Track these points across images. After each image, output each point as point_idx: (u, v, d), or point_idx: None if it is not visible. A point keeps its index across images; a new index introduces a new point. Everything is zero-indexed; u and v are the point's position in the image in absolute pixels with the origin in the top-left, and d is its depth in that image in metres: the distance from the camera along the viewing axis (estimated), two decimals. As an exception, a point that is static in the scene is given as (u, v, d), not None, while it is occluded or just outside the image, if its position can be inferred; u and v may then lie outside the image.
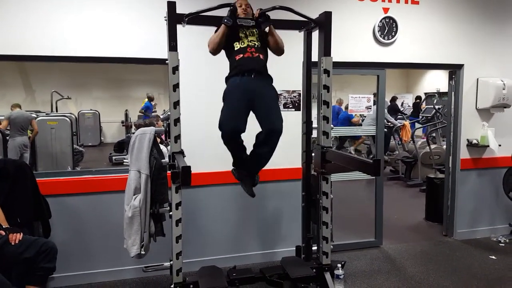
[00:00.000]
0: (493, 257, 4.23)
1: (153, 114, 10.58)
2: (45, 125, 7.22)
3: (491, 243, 4.64)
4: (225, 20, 2.79)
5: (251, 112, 2.87)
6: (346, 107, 8.69)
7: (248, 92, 2.84)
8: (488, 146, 4.58)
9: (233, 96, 2.86)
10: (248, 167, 3.01)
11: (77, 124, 10.87)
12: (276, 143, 2.86)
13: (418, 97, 12.53)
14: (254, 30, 2.93)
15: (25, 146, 6.95)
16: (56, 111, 11.17)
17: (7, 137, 6.43)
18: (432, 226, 5.29)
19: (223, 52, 2.96)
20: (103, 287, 3.63)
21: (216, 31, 2.89)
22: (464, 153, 4.64)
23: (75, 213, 3.61)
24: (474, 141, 4.60)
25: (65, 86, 11.78)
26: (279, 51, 2.98)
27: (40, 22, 3.36)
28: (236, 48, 2.88)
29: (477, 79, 4.56)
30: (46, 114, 8.87)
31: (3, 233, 2.73)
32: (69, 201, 3.59)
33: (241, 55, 2.87)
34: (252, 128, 2.83)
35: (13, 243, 2.69)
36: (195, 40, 3.45)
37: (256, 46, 2.90)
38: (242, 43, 2.88)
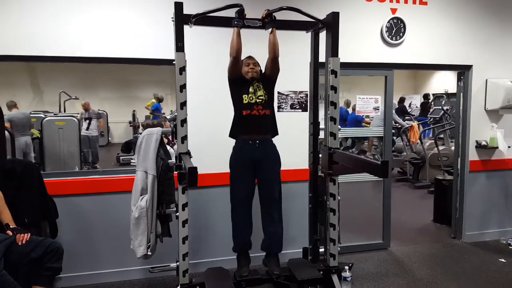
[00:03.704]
0: (503, 260, 4.18)
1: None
2: (53, 125, 7.25)
3: (500, 246, 4.58)
4: (235, 22, 2.85)
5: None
6: (353, 108, 8.63)
7: (252, 163, 3.09)
8: (497, 147, 4.53)
9: (238, 175, 3.16)
10: (270, 250, 3.25)
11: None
12: (280, 210, 3.19)
13: (426, 95, 12.41)
14: (261, 85, 3.04)
15: (28, 146, 6.92)
16: (64, 111, 11.24)
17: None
18: (440, 228, 5.25)
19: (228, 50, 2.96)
20: (110, 287, 3.64)
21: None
22: (473, 155, 4.59)
23: (82, 214, 3.62)
24: (483, 143, 4.54)
25: (73, 87, 11.84)
26: (273, 54, 2.97)
27: (47, 22, 3.37)
28: (244, 102, 2.99)
29: (486, 80, 4.51)
30: (54, 114, 8.92)
31: (11, 233, 2.74)
32: (76, 201, 3.60)
33: (248, 111, 2.98)
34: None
35: (20, 244, 2.70)
36: (202, 42, 3.45)
37: (263, 102, 3.01)
38: (251, 98, 2.98)
